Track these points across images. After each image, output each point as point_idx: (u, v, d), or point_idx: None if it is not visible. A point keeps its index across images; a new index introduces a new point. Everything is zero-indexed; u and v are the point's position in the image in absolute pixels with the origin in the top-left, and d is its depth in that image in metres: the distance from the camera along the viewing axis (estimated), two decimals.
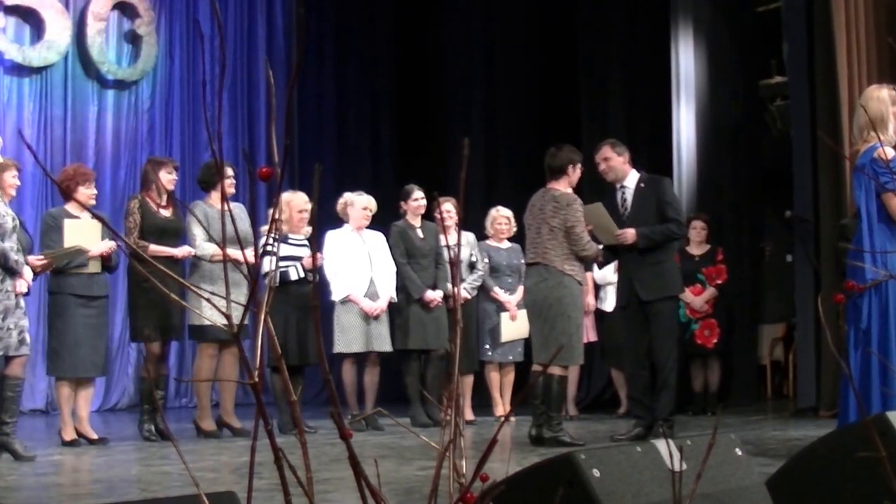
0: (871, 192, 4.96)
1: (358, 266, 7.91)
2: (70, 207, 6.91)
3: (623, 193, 6.88)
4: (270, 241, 1.31)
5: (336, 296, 7.91)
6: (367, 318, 7.85)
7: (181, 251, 7.09)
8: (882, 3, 8.21)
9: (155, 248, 6.94)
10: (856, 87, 7.95)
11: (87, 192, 6.84)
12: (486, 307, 8.52)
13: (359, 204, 8.05)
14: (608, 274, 8.88)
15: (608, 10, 10.90)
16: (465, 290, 8.24)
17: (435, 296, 8.02)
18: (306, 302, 7.44)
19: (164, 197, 7.18)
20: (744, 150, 10.24)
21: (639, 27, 10.70)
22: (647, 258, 6.69)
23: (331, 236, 8.05)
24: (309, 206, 7.62)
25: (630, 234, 6.64)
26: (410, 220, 8.22)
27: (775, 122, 10.75)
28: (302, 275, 7.44)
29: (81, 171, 7.10)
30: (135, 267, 6.99)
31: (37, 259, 6.56)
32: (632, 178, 6.88)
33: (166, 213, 7.17)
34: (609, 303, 8.90)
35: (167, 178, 7.18)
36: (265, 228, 6.57)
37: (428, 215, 8.34)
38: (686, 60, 9.76)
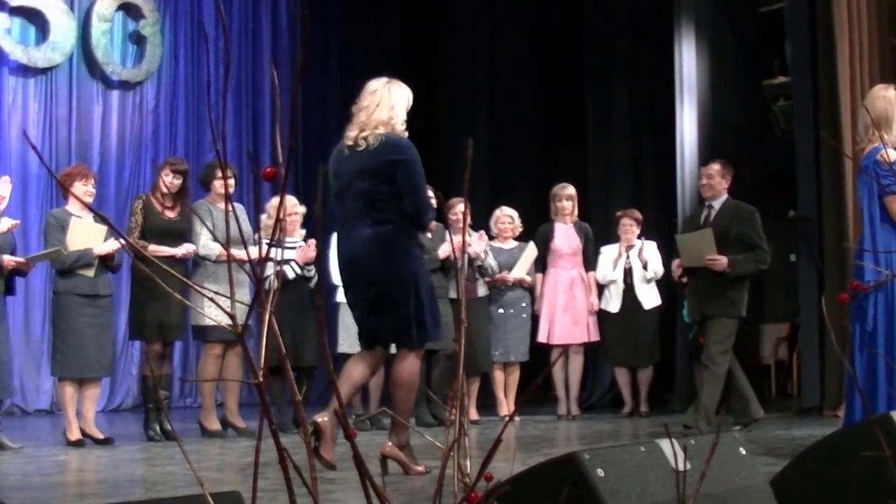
0: (873, 193, 4.96)
1: None
2: (72, 208, 6.93)
3: (710, 213, 7.07)
4: (270, 243, 1.31)
5: (341, 296, 7.92)
6: None
7: (181, 250, 7.09)
8: (884, 4, 8.21)
9: (154, 248, 6.94)
10: (858, 88, 7.95)
11: (83, 188, 6.86)
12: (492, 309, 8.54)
13: None
14: (609, 273, 8.89)
15: (612, 11, 10.91)
16: (481, 289, 8.28)
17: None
18: (303, 303, 7.48)
19: (168, 198, 7.19)
20: (747, 150, 10.23)
21: (642, 28, 10.70)
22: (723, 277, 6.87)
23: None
24: (296, 209, 7.68)
25: (723, 262, 6.80)
26: None
27: (778, 123, 10.74)
28: (298, 271, 7.47)
29: (81, 170, 7.13)
30: (138, 266, 7.01)
31: (13, 259, 6.60)
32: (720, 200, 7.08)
33: (171, 213, 7.18)
34: (612, 303, 8.91)
35: (165, 179, 7.22)
36: (260, 234, 6.57)
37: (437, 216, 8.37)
38: (689, 61, 9.76)
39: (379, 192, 4.94)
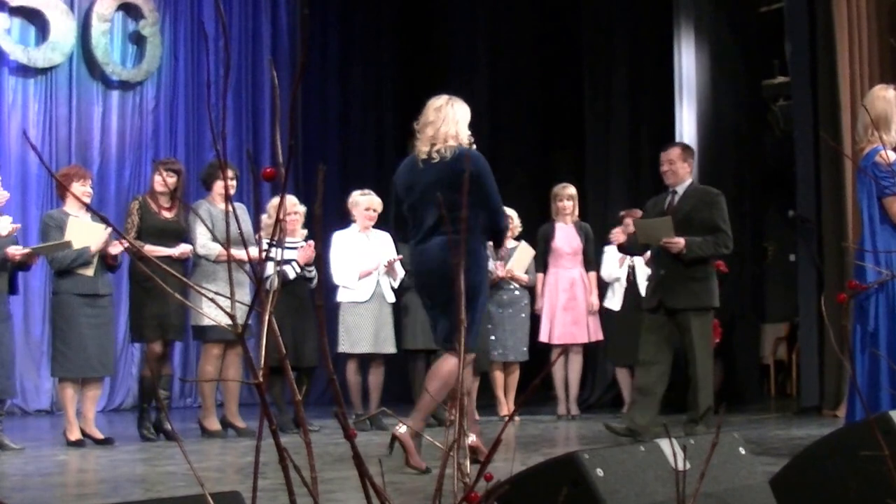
0: (872, 194, 4.96)
1: (364, 267, 7.92)
2: (69, 208, 6.92)
3: (673, 198, 6.92)
4: (271, 243, 1.32)
5: (341, 296, 7.93)
6: (373, 319, 7.86)
7: (177, 250, 7.09)
8: (884, 4, 8.21)
9: (150, 249, 6.93)
10: (857, 88, 7.95)
11: (82, 189, 6.86)
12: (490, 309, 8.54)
13: (362, 204, 8.07)
14: (614, 271, 8.89)
15: (611, 12, 10.91)
16: None
17: None
18: (302, 304, 7.48)
19: (164, 198, 7.19)
20: (747, 150, 10.24)
21: (642, 28, 10.70)
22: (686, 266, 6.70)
23: (337, 237, 8.06)
24: (297, 208, 7.68)
25: (679, 243, 6.62)
26: None
27: (778, 123, 10.75)
28: (298, 271, 7.49)
29: (78, 170, 7.15)
30: (136, 267, 7.02)
31: (19, 250, 6.60)
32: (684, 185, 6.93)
33: (168, 214, 7.17)
34: (615, 301, 8.90)
35: (158, 179, 7.24)
36: (260, 234, 6.60)
37: None
38: (689, 61, 9.76)
39: (455, 202, 5.10)
